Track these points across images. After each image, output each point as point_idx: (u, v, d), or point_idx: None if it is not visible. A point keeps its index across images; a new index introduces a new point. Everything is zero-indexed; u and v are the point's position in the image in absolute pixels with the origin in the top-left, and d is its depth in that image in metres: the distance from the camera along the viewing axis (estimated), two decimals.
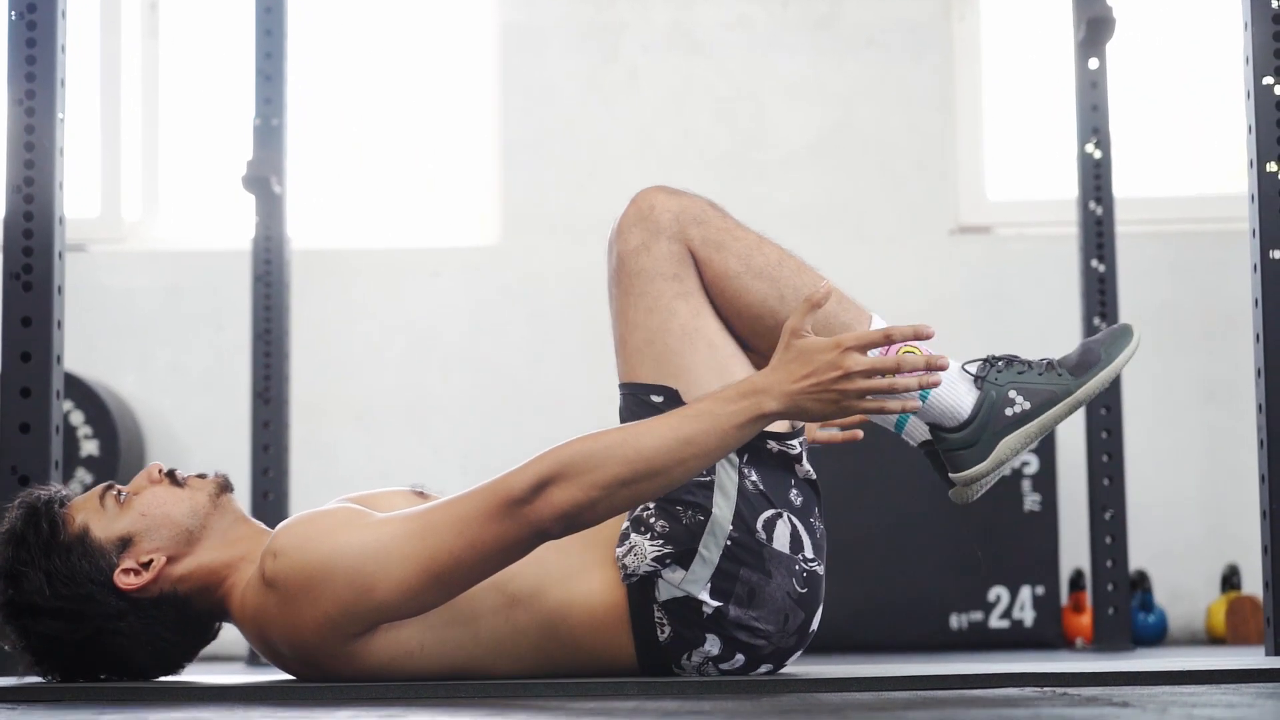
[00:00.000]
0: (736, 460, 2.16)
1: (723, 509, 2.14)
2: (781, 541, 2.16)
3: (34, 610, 2.11)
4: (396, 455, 4.86)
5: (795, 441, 2.21)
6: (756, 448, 2.17)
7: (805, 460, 2.24)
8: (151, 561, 2.13)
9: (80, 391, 4.64)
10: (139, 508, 2.16)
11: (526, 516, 1.99)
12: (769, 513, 2.16)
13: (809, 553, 2.19)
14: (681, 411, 2.03)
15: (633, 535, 2.15)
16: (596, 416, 2.50)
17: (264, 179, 3.96)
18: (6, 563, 2.13)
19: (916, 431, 2.20)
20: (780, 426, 2.21)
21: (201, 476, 2.22)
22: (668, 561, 2.14)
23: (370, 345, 4.95)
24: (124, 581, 2.12)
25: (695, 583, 2.13)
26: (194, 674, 2.34)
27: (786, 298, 2.19)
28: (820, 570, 2.21)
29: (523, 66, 5.03)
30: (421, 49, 5.16)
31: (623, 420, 2.19)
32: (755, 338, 2.24)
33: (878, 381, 1.99)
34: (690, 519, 2.14)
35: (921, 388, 2.01)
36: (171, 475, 2.20)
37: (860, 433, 2.41)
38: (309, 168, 5.04)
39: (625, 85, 5.01)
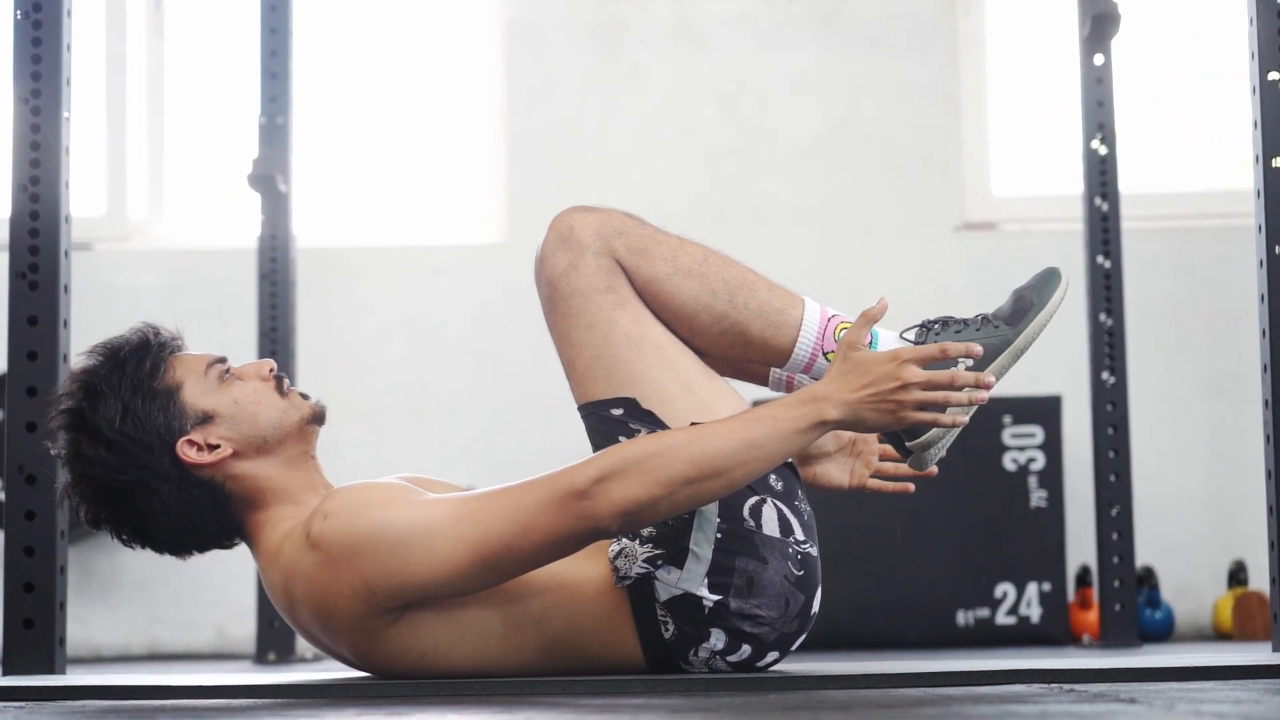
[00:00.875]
0: None
1: None
2: (771, 526, 2.17)
3: (94, 433, 2.11)
4: (400, 452, 4.86)
5: None
6: None
7: None
8: (218, 447, 2.14)
9: None
10: (235, 394, 2.17)
11: (585, 510, 2.00)
12: (753, 499, 2.17)
13: (799, 534, 2.20)
14: (744, 415, 2.06)
15: (623, 539, 2.15)
16: None
17: (269, 177, 3.96)
18: (96, 378, 2.14)
19: None
20: None
21: (305, 397, 2.22)
22: (659, 563, 2.14)
23: (374, 343, 4.95)
24: (184, 452, 2.12)
25: (692, 580, 2.14)
26: (200, 673, 2.34)
27: (718, 292, 2.24)
28: (814, 552, 2.22)
29: (526, 63, 5.02)
30: (425, 47, 5.16)
31: (593, 444, 2.20)
32: (695, 336, 2.27)
33: (934, 394, 2.05)
34: (676, 518, 2.14)
35: (971, 403, 2.07)
36: (280, 381, 2.21)
37: (912, 486, 2.43)
38: (313, 166, 5.04)
39: (628, 81, 5.01)
